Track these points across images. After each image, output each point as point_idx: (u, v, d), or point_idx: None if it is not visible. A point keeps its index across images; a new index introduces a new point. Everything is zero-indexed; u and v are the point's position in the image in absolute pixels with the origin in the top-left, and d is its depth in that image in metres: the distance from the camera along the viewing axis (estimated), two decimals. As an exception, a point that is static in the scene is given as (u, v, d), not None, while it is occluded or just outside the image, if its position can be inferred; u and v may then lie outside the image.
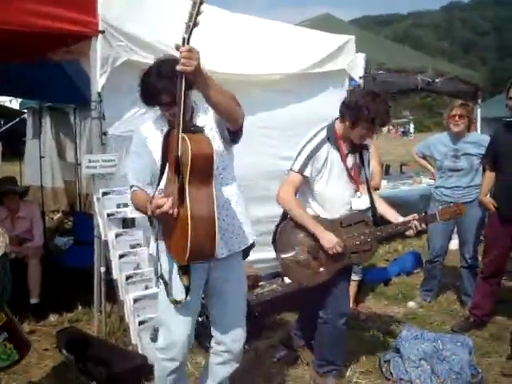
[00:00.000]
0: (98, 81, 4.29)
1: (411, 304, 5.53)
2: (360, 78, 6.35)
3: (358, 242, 3.58)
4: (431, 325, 4.96)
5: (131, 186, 2.98)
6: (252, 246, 3.10)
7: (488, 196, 4.87)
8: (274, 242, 3.71)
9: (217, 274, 2.95)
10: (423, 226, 3.56)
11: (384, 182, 8.22)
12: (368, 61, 6.63)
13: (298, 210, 3.56)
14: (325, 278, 3.60)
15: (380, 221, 3.68)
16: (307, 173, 3.55)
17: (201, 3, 2.34)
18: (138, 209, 2.94)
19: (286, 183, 3.61)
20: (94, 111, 4.36)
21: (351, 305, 5.21)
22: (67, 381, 3.84)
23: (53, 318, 4.90)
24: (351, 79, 6.21)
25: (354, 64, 6.15)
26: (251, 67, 5.24)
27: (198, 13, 2.36)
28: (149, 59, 4.53)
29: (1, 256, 2.35)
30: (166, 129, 2.85)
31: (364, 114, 3.37)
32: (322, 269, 3.60)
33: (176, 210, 2.54)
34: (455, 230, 5.50)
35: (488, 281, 4.82)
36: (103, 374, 3.76)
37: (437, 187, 5.49)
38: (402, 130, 44.13)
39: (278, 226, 3.71)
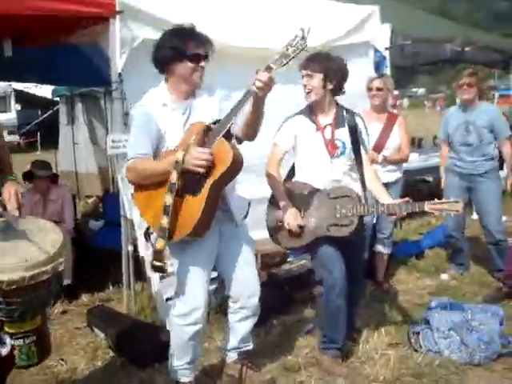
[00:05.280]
0: (118, 62, 4.31)
1: (444, 276, 5.44)
2: (386, 49, 6.22)
3: (338, 216, 3.51)
4: (463, 296, 4.87)
5: (132, 159, 2.99)
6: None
7: None
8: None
9: (226, 237, 3.18)
10: (404, 213, 3.37)
11: (416, 155, 8.08)
12: (394, 31, 6.44)
13: (272, 182, 3.67)
14: (302, 243, 3.65)
15: (366, 199, 3.64)
16: (284, 145, 3.68)
17: (301, 50, 2.75)
18: (145, 175, 2.96)
19: (269, 157, 3.74)
20: (116, 92, 4.39)
21: (381, 278, 5.18)
22: (97, 357, 3.90)
23: (85, 298, 4.99)
24: (376, 51, 6.08)
25: (379, 35, 6.02)
26: (273, 41, 5.16)
27: (294, 57, 2.77)
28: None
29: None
30: (169, 103, 3.05)
31: None
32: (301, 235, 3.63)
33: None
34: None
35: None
36: (132, 350, 3.83)
37: (450, 157, 5.37)
38: (439, 107, 43.06)
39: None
